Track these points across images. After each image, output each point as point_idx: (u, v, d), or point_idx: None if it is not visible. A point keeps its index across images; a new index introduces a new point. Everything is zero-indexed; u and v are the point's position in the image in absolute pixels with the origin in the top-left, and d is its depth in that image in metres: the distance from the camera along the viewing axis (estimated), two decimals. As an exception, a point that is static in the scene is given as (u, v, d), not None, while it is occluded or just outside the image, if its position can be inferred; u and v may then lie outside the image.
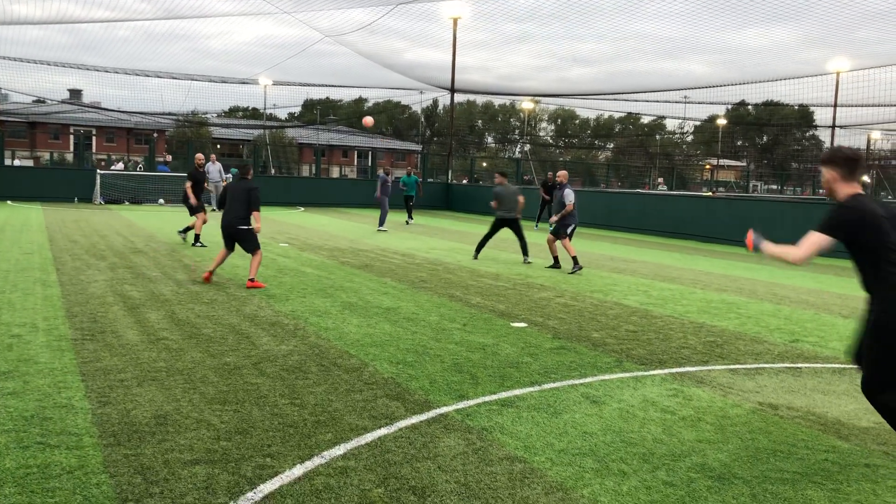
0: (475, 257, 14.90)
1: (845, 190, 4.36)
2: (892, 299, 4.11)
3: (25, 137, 67.32)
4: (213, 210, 27.11)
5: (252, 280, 10.25)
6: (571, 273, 13.15)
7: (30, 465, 3.98)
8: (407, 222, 24.60)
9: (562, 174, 14.24)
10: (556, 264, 13.77)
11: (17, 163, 40.34)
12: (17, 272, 10.65)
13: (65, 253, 13.02)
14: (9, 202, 26.92)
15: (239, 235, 10.36)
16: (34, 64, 42.78)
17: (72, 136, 69.04)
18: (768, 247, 4.42)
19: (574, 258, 13.36)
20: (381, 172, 22.56)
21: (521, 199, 14.69)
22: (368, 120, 11.34)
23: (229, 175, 29.04)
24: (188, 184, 15.59)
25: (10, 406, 4.91)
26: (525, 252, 14.63)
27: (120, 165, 43.66)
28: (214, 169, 25.93)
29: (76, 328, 7.26)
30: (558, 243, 13.89)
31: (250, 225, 10.34)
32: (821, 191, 54.56)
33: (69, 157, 56.95)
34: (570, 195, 13.64)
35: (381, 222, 21.27)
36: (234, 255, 13.87)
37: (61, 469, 3.96)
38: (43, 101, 64.52)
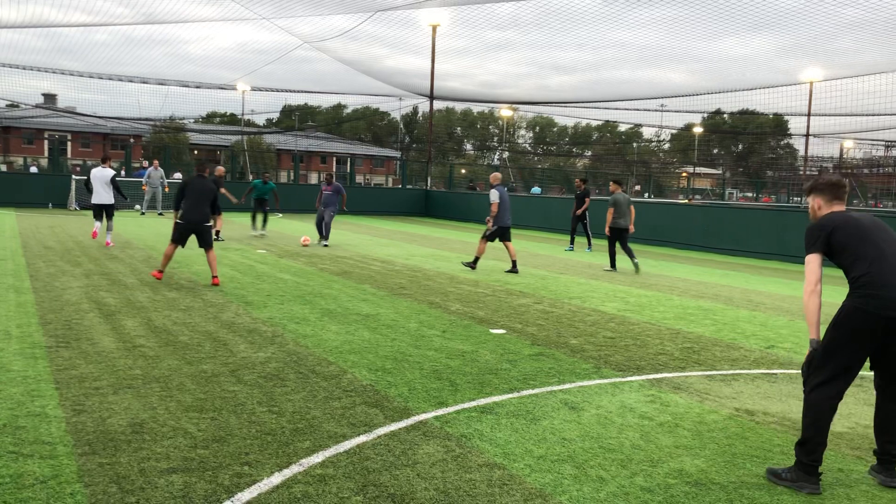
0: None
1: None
2: None
3: (-2, 142, 66.46)
4: (142, 214, 27.20)
5: (217, 276, 10.88)
6: (466, 265, 14.09)
7: (2, 475, 3.92)
8: (262, 234, 20.82)
9: (492, 176, 14.51)
10: (472, 264, 14.08)
11: (32, 169, 39.46)
12: (-10, 279, 10.49)
13: (39, 259, 12.85)
14: (-19, 208, 26.54)
15: (202, 232, 10.79)
16: (7, 67, 42.29)
17: (46, 142, 68.23)
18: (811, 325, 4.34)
19: (476, 258, 14.05)
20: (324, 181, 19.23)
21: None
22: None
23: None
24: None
25: (-17, 415, 4.83)
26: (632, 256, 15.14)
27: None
28: (157, 175, 26.99)
29: (50, 335, 7.17)
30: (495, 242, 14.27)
31: (210, 222, 10.96)
32: (795, 198, 55.25)
33: (43, 162, 56.28)
34: (493, 194, 13.94)
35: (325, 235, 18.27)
36: (201, 257, 13.77)
37: (34, 479, 3.90)
38: (16, 105, 63.75)
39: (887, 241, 4.30)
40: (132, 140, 65.10)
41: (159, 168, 27.77)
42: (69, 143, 69.31)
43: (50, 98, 73.42)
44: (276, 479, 4.03)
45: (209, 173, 11.13)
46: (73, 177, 30.30)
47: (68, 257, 13.36)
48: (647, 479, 4.26)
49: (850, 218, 4.38)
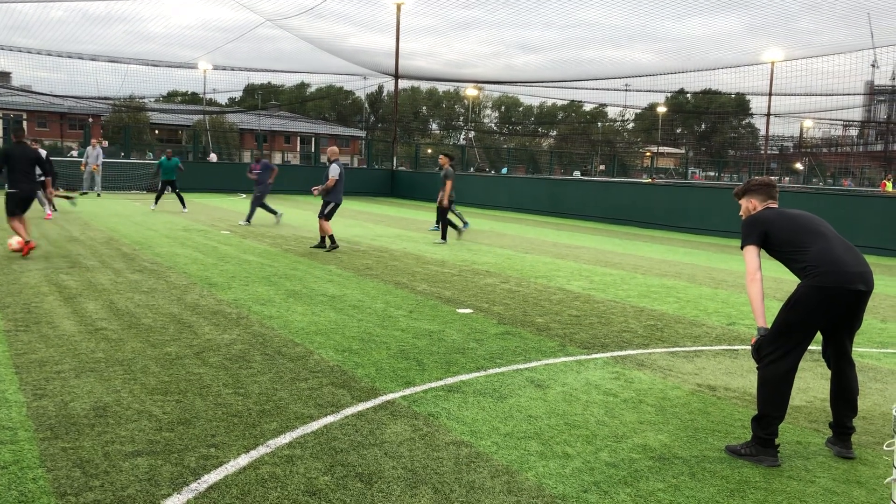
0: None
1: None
2: None
3: (-49, 121, 64.53)
4: (84, 193, 26.87)
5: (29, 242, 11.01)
6: (314, 247, 13.40)
7: (-38, 461, 3.85)
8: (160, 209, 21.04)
9: (330, 150, 13.87)
10: (321, 244, 13.49)
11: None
12: (-55, 262, 10.24)
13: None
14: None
15: (31, 200, 10.97)
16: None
17: (0, 121, 66.43)
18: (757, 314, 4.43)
19: (329, 237, 13.35)
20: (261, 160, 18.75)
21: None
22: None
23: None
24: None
25: (-60, 400, 4.73)
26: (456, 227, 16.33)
27: None
28: (94, 153, 27.26)
29: (9, 319, 7.03)
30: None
31: (38, 191, 11.49)
32: (756, 178, 56.01)
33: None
34: (334, 169, 13.29)
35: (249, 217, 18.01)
36: (163, 239, 13.57)
37: (-5, 464, 3.84)
38: (-31, 83, 61.92)
39: (825, 227, 4.49)
40: (90, 119, 63.67)
41: (98, 147, 27.80)
42: (25, 123, 67.57)
43: (4, 76, 71.38)
44: (243, 460, 4.02)
45: (26, 139, 11.47)
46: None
47: (26, 239, 13.07)
48: (612, 455, 4.33)
49: (784, 212, 4.55)
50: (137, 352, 6.09)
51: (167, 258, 11.49)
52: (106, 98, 60.25)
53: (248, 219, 17.86)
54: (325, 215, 13.32)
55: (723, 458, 4.35)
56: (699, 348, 7.09)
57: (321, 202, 13.38)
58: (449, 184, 15.68)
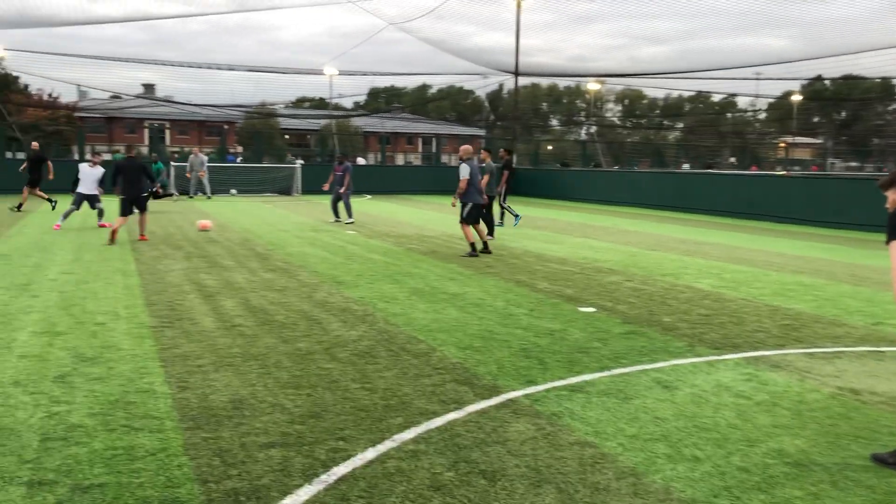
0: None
1: None
2: None
3: (104, 132, 69.77)
4: (191, 196, 28.18)
5: (144, 235, 14.11)
6: (464, 256, 12.39)
7: (116, 447, 4.16)
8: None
9: (462, 149, 12.90)
10: (472, 251, 12.46)
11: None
12: (100, 262, 11.08)
13: (142, 243, 13.47)
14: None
15: (140, 200, 14.02)
16: (111, 61, 44.34)
17: (146, 130, 71.24)
18: None
19: (471, 244, 12.48)
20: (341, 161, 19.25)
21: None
22: (205, 224, 16.35)
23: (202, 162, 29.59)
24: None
25: (97, 391, 5.13)
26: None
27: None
28: (198, 161, 29.02)
29: (155, 316, 7.53)
30: (471, 227, 12.72)
31: (145, 192, 14.30)
32: (904, 167, 52.22)
33: (144, 150, 58.81)
34: (464, 169, 12.39)
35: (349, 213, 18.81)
36: (295, 240, 14.05)
37: (145, 451, 4.12)
38: (119, 96, 66.70)
39: None
40: (226, 127, 67.14)
41: (200, 154, 29.82)
42: (168, 131, 72.12)
43: (149, 88, 76.44)
44: (370, 453, 4.13)
45: (134, 152, 14.54)
46: (171, 163, 31.54)
47: (170, 241, 13.96)
48: (744, 459, 4.15)
49: None
50: (271, 347, 6.38)
51: (298, 258, 11.96)
52: (240, 105, 63.33)
53: (350, 215, 18.69)
54: (465, 219, 12.56)
55: (868, 467, 4.08)
56: (840, 349, 6.68)
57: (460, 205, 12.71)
58: (486, 177, 14.38)
